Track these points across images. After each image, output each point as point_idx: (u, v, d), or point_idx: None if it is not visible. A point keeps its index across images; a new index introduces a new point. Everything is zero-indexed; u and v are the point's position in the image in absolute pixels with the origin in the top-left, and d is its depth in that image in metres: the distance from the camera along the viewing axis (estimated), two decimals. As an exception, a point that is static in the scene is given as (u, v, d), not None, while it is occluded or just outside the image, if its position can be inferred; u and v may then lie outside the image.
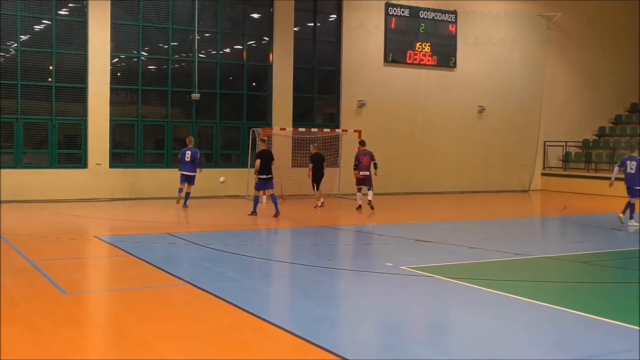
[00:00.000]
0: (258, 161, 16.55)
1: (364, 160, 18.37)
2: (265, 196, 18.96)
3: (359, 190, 18.69)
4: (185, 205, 18.26)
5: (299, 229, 15.77)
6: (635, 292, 8.90)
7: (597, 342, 6.71)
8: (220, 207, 19.53)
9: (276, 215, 16.43)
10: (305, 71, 23.99)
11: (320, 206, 19.09)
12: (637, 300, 8.33)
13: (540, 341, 6.68)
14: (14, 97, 19.97)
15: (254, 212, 16.69)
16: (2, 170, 19.27)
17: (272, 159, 16.88)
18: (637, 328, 6.91)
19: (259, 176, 16.51)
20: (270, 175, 16.58)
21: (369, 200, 18.27)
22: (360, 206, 18.58)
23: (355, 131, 22.43)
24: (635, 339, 6.62)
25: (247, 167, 22.01)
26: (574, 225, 17.13)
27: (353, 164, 18.66)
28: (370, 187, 18.43)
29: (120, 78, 21.50)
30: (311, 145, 20.13)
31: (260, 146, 17.83)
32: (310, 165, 19.47)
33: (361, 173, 18.38)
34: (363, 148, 18.82)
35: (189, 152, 18.26)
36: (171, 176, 20.85)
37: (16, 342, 6.35)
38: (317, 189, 19.43)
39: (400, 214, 19.29)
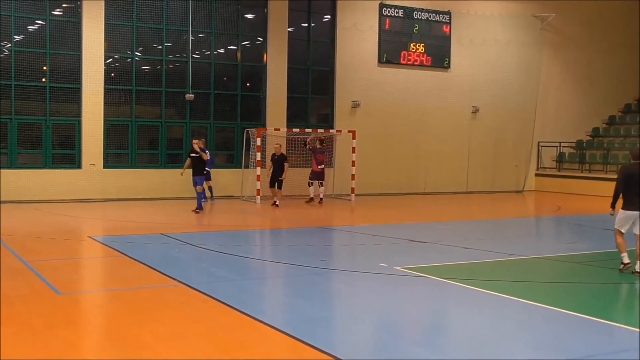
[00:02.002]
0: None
1: (320, 158, 20.43)
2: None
3: (311, 184, 20.63)
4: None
5: (293, 229, 15.77)
6: (629, 292, 8.93)
7: (592, 342, 6.74)
8: (213, 207, 19.50)
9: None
10: (300, 72, 23.99)
11: (276, 205, 19.15)
12: (631, 300, 8.36)
13: (534, 341, 6.70)
14: (8, 97, 19.90)
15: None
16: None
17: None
18: (631, 328, 6.93)
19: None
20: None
21: (320, 198, 20.31)
22: (312, 199, 20.34)
23: (349, 132, 22.44)
24: (629, 339, 6.65)
25: (241, 168, 22.02)
26: (568, 226, 17.19)
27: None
28: (322, 182, 20.49)
29: (115, 78, 21.46)
30: (276, 145, 19.86)
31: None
32: (270, 165, 19.72)
33: (318, 167, 20.30)
34: (321, 147, 20.56)
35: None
36: (165, 176, 20.85)
37: (11, 342, 6.33)
38: (275, 187, 19.39)
39: (395, 214, 19.32)
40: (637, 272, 9.64)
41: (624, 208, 9.92)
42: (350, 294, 8.92)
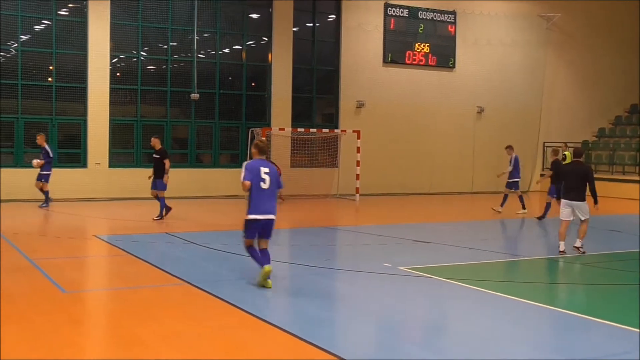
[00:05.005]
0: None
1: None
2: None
3: None
4: None
5: (297, 229, 15.78)
6: (634, 293, 8.92)
7: (596, 343, 6.73)
8: (219, 207, 19.54)
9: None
10: (304, 71, 24.01)
11: None
12: (636, 302, 8.34)
13: (538, 343, 6.70)
14: (14, 96, 19.99)
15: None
16: (3, 169, 19.28)
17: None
18: (636, 330, 6.92)
19: None
20: None
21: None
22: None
23: (354, 131, 22.45)
24: (634, 340, 6.64)
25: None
26: (572, 226, 17.12)
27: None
28: None
29: (120, 78, 21.52)
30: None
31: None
32: None
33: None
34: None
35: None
36: (170, 176, 20.89)
37: (15, 340, 6.37)
38: None
39: (399, 214, 19.31)
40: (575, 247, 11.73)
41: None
42: (353, 294, 8.93)
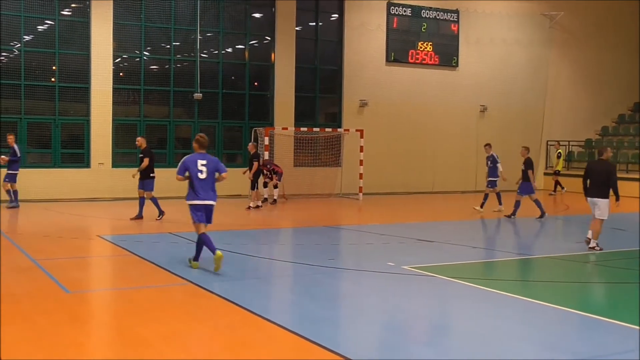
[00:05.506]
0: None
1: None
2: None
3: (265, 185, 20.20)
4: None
5: (300, 228, 15.78)
6: (638, 291, 8.90)
7: (600, 342, 6.71)
8: (222, 207, 19.52)
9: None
10: (307, 71, 24.01)
11: (254, 207, 18.25)
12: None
13: (542, 341, 6.68)
14: (17, 97, 20.02)
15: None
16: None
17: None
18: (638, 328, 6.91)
19: None
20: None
21: (274, 199, 20.02)
22: (266, 199, 20.01)
23: (357, 131, 22.44)
24: (637, 338, 6.62)
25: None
26: (576, 225, 17.12)
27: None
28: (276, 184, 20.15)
29: (123, 78, 21.55)
30: (250, 144, 19.23)
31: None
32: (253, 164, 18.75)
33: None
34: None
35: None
36: (173, 175, 20.85)
37: (19, 340, 6.38)
38: (254, 189, 18.70)
39: (402, 213, 19.30)
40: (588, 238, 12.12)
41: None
42: (357, 293, 8.92)
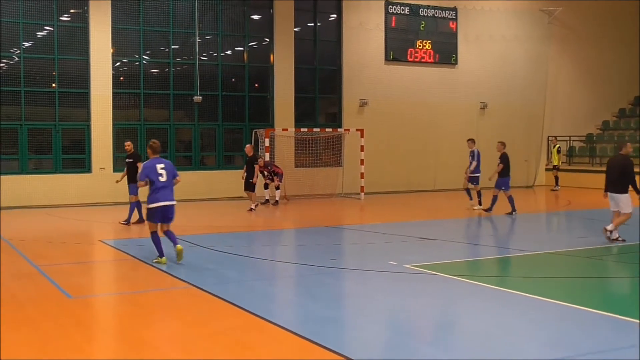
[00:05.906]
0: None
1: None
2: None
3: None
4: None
5: (302, 229, 15.78)
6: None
7: (602, 337, 6.70)
8: (224, 209, 19.55)
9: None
10: (307, 71, 24.01)
11: (254, 209, 18.16)
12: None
13: (546, 338, 6.66)
14: (17, 103, 20.06)
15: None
16: (8, 176, 19.36)
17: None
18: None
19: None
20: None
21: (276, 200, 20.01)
22: (267, 200, 20.01)
23: (357, 130, 22.43)
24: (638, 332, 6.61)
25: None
26: (578, 220, 17.11)
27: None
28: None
29: (122, 82, 21.57)
30: (247, 146, 19.01)
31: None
32: (245, 167, 18.72)
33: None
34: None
35: None
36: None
37: (22, 345, 6.39)
38: (250, 191, 18.51)
39: (404, 212, 19.29)
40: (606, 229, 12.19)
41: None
42: (360, 293, 8.92)
